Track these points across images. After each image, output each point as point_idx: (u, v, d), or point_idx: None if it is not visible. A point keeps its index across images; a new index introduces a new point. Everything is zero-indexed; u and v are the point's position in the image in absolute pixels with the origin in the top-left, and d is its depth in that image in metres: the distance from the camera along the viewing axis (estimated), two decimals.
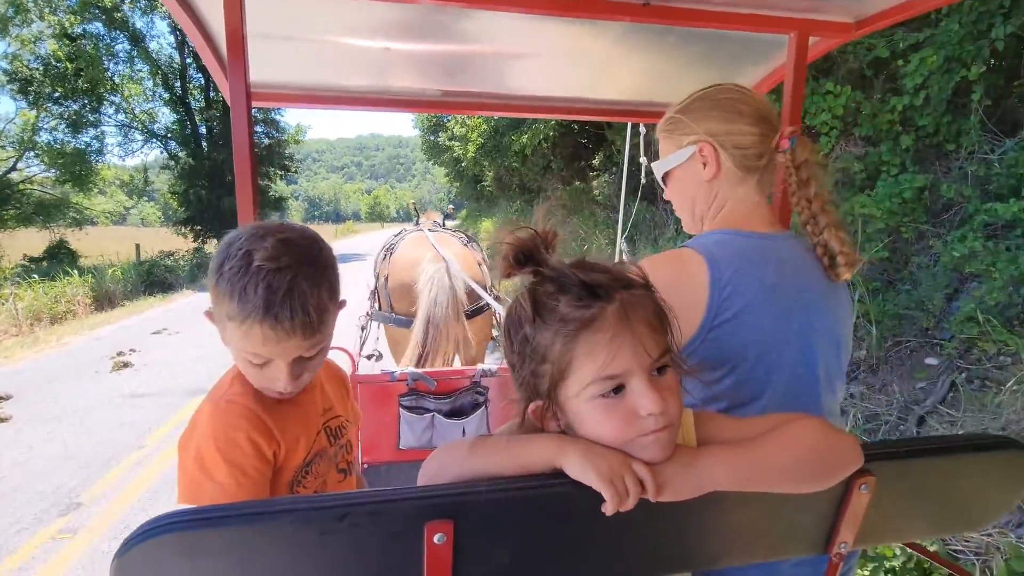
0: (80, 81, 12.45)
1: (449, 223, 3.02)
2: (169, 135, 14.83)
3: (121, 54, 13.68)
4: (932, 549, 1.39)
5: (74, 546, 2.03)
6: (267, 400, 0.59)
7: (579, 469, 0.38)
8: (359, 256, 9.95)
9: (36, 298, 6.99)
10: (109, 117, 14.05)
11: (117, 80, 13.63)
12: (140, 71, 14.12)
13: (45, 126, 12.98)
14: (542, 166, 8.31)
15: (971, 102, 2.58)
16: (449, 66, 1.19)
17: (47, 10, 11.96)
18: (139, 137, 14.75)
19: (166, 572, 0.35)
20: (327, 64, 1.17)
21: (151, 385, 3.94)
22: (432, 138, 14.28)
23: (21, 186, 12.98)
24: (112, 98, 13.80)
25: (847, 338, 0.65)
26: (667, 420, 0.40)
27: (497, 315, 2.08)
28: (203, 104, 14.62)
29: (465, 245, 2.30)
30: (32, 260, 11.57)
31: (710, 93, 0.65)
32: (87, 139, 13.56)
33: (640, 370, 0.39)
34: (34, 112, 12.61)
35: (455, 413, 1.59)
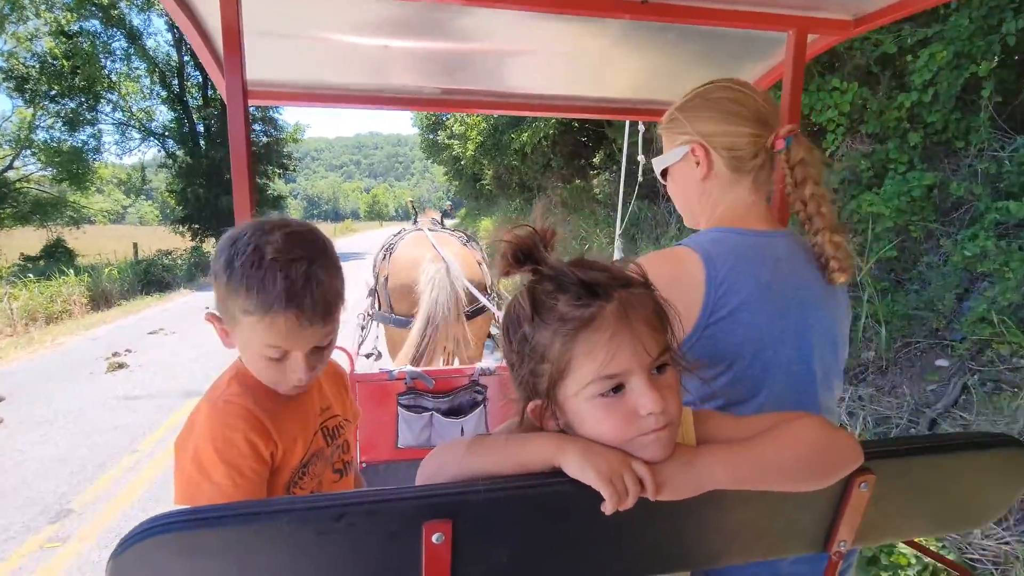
0: (77, 79, 12.40)
1: (448, 222, 3.01)
2: (167, 133, 14.79)
3: (118, 52, 13.64)
4: (950, 557, 1.38)
5: (63, 555, 1.97)
6: (265, 401, 0.59)
7: (578, 468, 0.38)
8: (358, 255, 9.92)
9: (31, 297, 6.95)
10: (106, 115, 14.04)
11: (114, 78, 13.58)
12: (137, 69, 14.08)
13: (42, 124, 12.94)
14: (542, 164, 8.30)
15: (981, 98, 2.52)
16: (448, 64, 1.19)
17: (43, 7, 11.90)
18: (136, 135, 14.72)
19: (163, 572, 0.35)
20: (325, 62, 1.17)
21: (146, 386, 3.90)
22: (431, 136, 14.26)
23: (18, 185, 12.92)
24: (109, 96, 13.76)
25: (844, 336, 0.65)
26: (667, 419, 0.40)
27: (496, 317, 2.08)
28: (201, 102, 14.56)
29: (464, 244, 2.30)
30: (29, 259, 11.54)
31: (707, 91, 0.65)
32: (84, 137, 13.55)
33: (640, 369, 0.39)
34: (31, 110, 12.55)
35: (454, 412, 1.59)
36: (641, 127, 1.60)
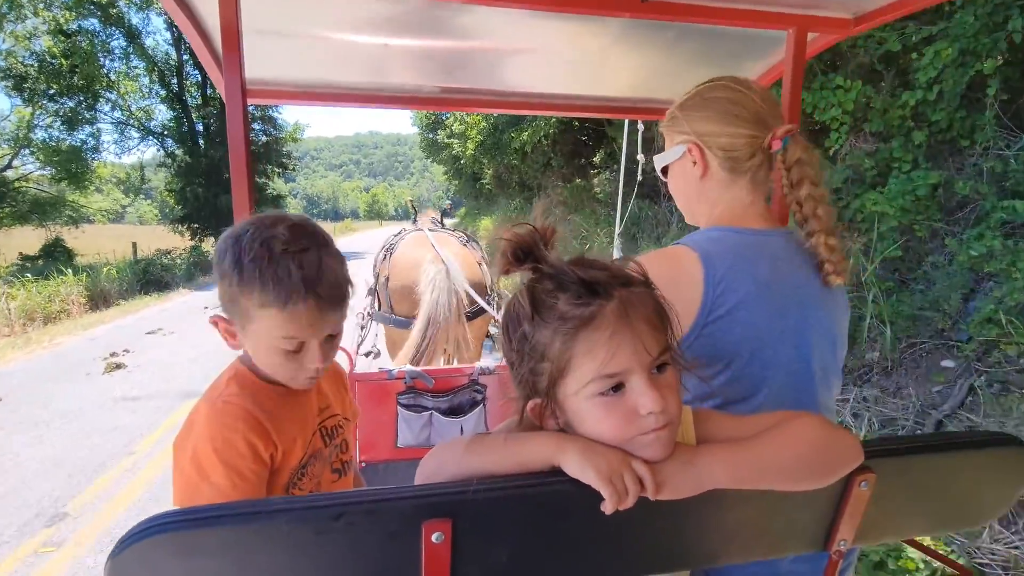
0: (75, 78, 12.36)
1: (448, 221, 3.00)
2: (166, 132, 14.75)
3: (117, 50, 13.60)
4: (960, 562, 1.37)
5: (58, 560, 1.93)
6: (264, 401, 0.59)
7: (578, 467, 0.38)
8: (358, 254, 9.88)
9: (29, 297, 6.91)
10: (105, 114, 13.99)
11: (113, 77, 13.54)
12: (136, 68, 14.04)
13: (40, 123, 12.89)
14: (542, 163, 8.29)
15: (986, 96, 2.49)
16: (447, 62, 1.18)
17: (42, 6, 11.85)
18: (135, 134, 14.68)
19: (161, 572, 0.35)
20: (324, 61, 1.16)
21: (144, 387, 3.85)
22: (431, 136, 14.26)
23: (17, 184, 12.88)
24: (108, 95, 13.72)
25: (843, 334, 0.64)
26: (667, 418, 0.39)
27: (495, 317, 2.07)
28: (200, 101, 14.53)
29: (464, 244, 2.29)
30: (27, 259, 11.51)
31: (706, 90, 0.65)
32: (83, 136, 13.50)
33: (640, 368, 0.39)
34: (29, 109, 12.52)
35: (453, 411, 1.59)
36: (640, 126, 1.60)
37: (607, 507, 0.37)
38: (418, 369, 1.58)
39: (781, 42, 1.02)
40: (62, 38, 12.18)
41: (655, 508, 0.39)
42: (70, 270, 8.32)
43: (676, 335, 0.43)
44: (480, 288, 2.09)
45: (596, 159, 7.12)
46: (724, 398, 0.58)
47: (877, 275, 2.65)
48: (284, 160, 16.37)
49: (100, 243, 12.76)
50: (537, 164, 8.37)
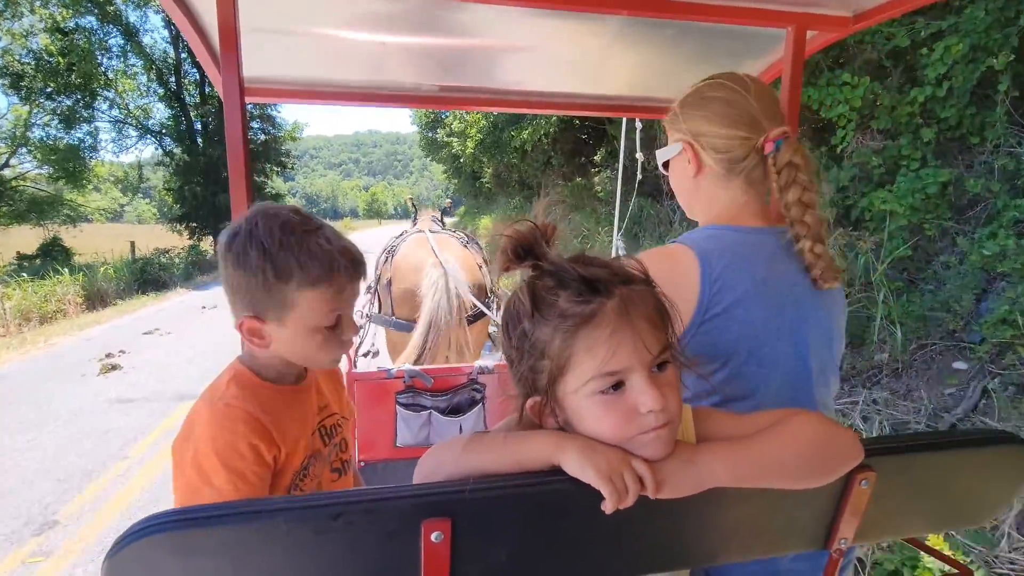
0: (73, 76, 12.32)
1: (447, 220, 2.99)
2: (164, 131, 14.71)
3: (114, 49, 13.56)
4: (979, 573, 1.35)
5: (47, 571, 1.88)
6: (266, 401, 0.58)
7: (578, 466, 0.38)
8: None
9: (25, 297, 6.87)
10: (103, 113, 13.94)
11: (111, 75, 13.50)
12: (134, 66, 14.00)
13: (38, 122, 12.84)
14: (542, 162, 8.28)
15: (997, 93, 2.43)
16: (446, 61, 1.18)
17: (38, 3, 11.80)
18: (133, 133, 14.65)
19: (158, 572, 0.35)
20: (322, 59, 1.16)
21: (139, 389, 3.81)
22: (430, 134, 14.24)
23: (14, 183, 12.83)
24: (106, 93, 13.67)
25: (840, 331, 0.65)
26: (667, 417, 0.39)
27: (496, 319, 2.07)
28: (198, 99, 14.49)
29: (465, 246, 2.29)
30: (24, 258, 11.47)
31: (705, 88, 0.65)
32: (80, 135, 13.46)
33: (640, 367, 0.39)
34: (26, 107, 12.47)
35: (452, 410, 1.58)
36: (638, 124, 1.59)
37: (607, 506, 0.37)
38: (417, 368, 1.58)
39: (780, 40, 1.02)
40: (59, 36, 12.14)
41: (655, 507, 0.39)
42: (67, 269, 8.31)
43: (677, 333, 0.42)
44: (481, 290, 2.09)
45: (597, 157, 7.11)
46: (722, 396, 0.58)
47: (886, 275, 2.61)
48: (283, 159, 16.34)
49: (98, 242, 12.73)
50: (537, 162, 8.36)
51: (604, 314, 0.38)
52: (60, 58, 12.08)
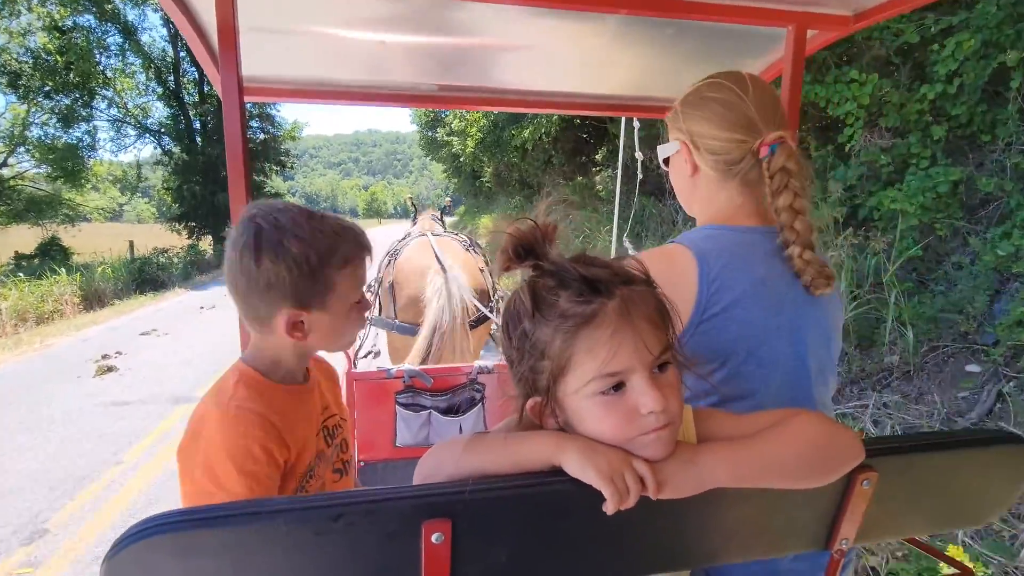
0: (71, 75, 12.26)
1: (447, 219, 3.00)
2: (163, 130, 14.65)
3: (113, 47, 13.49)
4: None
5: None
6: (275, 403, 0.58)
7: (578, 467, 0.38)
8: None
9: (21, 297, 6.78)
10: (101, 112, 13.88)
11: (109, 74, 13.43)
12: (132, 65, 13.94)
13: (36, 121, 12.79)
14: (543, 161, 8.27)
15: (1009, 90, 2.38)
16: (445, 60, 1.18)
17: (36, 2, 11.74)
18: (132, 132, 14.59)
19: (158, 573, 0.35)
20: (321, 58, 1.16)
21: (135, 391, 3.75)
22: (430, 134, 14.22)
23: (12, 182, 12.78)
24: (104, 92, 13.61)
25: (838, 329, 0.65)
26: (668, 418, 0.39)
27: (497, 323, 2.07)
28: (197, 98, 14.44)
29: (467, 250, 2.30)
30: (22, 257, 11.42)
31: (705, 88, 0.65)
32: (79, 134, 13.40)
33: (641, 367, 0.39)
34: (24, 106, 12.41)
35: (452, 410, 1.58)
36: (636, 124, 1.59)
37: (608, 507, 0.37)
38: (416, 368, 1.58)
39: (780, 39, 1.02)
40: (57, 34, 12.07)
41: (656, 507, 0.39)
42: (64, 269, 8.23)
43: (677, 334, 0.42)
44: (483, 295, 2.10)
45: (598, 156, 7.10)
46: (721, 396, 0.58)
47: (896, 275, 2.57)
48: (282, 158, 16.30)
49: (97, 242, 12.65)
50: (538, 162, 8.34)
51: (605, 314, 0.38)
52: (58, 57, 12.03)
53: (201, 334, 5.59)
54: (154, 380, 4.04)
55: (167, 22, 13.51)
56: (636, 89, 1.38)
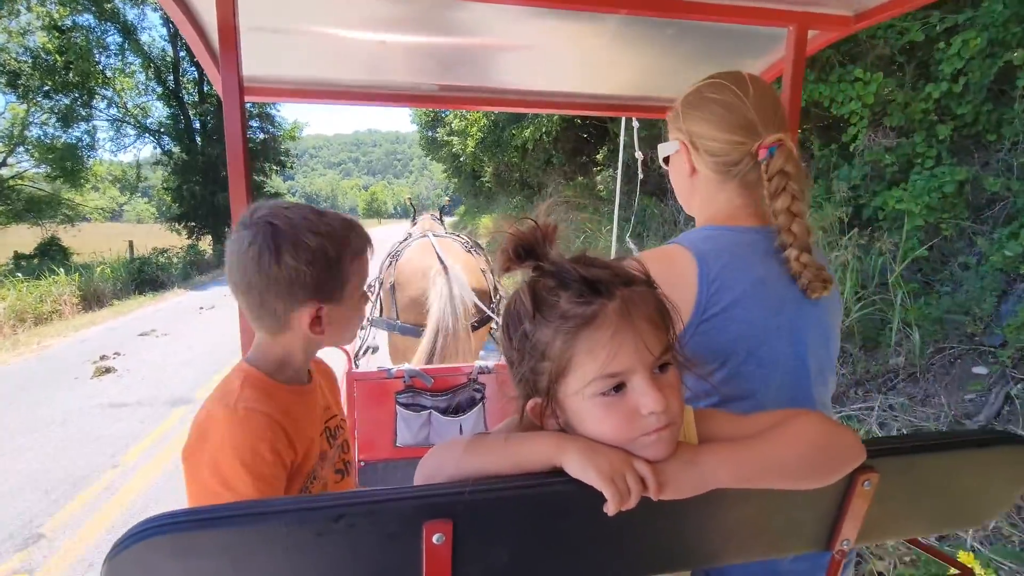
0: (70, 74, 12.23)
1: (446, 219, 3.00)
2: (162, 130, 14.63)
3: (112, 47, 13.46)
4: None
5: None
6: (282, 403, 0.59)
7: (579, 468, 0.38)
8: None
9: (20, 298, 6.72)
10: (101, 111, 13.86)
11: (108, 73, 13.41)
12: (132, 64, 13.91)
13: (35, 120, 12.77)
14: (543, 161, 8.26)
15: (1015, 89, 2.38)
16: (446, 60, 1.18)
17: (35, 1, 11.73)
18: (132, 132, 14.56)
19: (159, 574, 0.35)
20: (322, 58, 1.16)
21: (133, 393, 3.71)
22: (430, 133, 14.23)
23: (11, 182, 12.76)
24: (103, 92, 13.59)
25: (836, 329, 0.65)
26: (669, 418, 0.39)
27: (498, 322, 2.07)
28: (197, 98, 14.42)
29: (469, 251, 2.30)
30: (21, 257, 11.40)
31: (706, 88, 0.65)
32: (78, 134, 13.38)
33: (642, 368, 0.39)
34: (24, 106, 12.40)
35: (452, 410, 1.58)
36: (635, 123, 1.59)
37: (610, 508, 0.37)
38: (417, 368, 1.58)
39: (781, 39, 1.02)
40: (56, 34, 12.05)
41: (657, 508, 0.39)
42: (63, 269, 8.19)
43: (677, 334, 0.42)
44: (485, 296, 2.10)
45: (599, 156, 7.09)
46: (721, 396, 0.58)
47: (902, 276, 2.55)
48: (282, 158, 16.29)
49: (97, 242, 12.63)
50: (538, 161, 8.34)
51: (605, 315, 0.38)
52: (57, 56, 12.00)
53: (200, 335, 5.57)
54: (152, 381, 4.01)
55: (167, 21, 13.50)
56: (637, 89, 1.38)
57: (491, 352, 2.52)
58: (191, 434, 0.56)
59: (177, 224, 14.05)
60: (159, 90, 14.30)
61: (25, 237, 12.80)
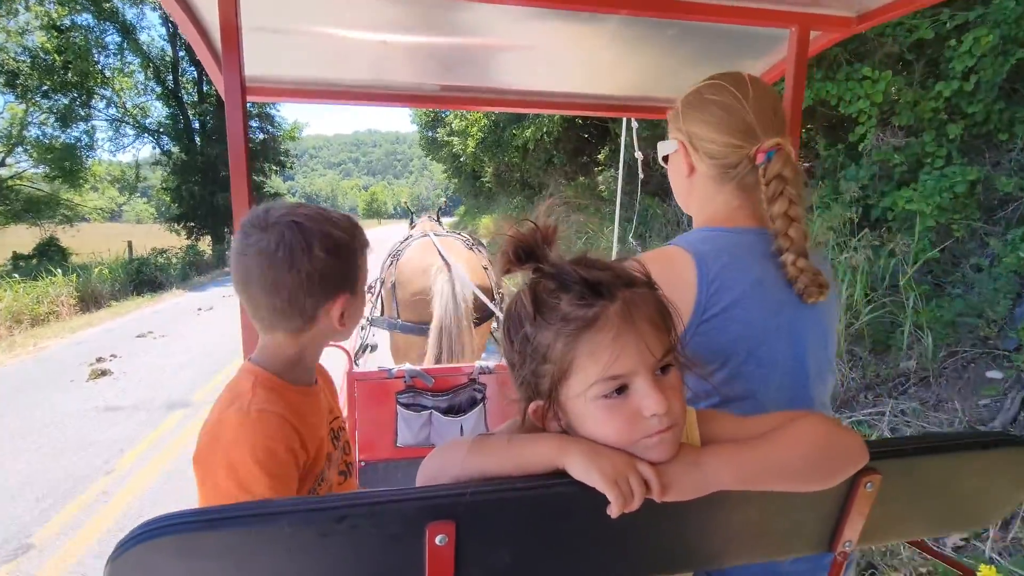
0: (69, 74, 12.21)
1: (445, 219, 2.99)
2: (161, 130, 14.61)
3: (111, 46, 13.45)
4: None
5: None
6: (293, 403, 0.58)
7: (582, 470, 0.38)
8: None
9: (16, 299, 6.66)
10: (100, 111, 13.84)
11: (107, 73, 13.39)
12: (131, 64, 13.90)
13: (34, 120, 12.74)
14: (544, 161, 8.27)
15: None
16: (447, 60, 1.18)
17: (34, 1, 11.70)
18: (131, 132, 14.54)
19: (162, 575, 0.34)
20: (323, 58, 1.16)
21: (129, 396, 3.65)
22: (430, 134, 14.24)
23: (10, 182, 12.72)
24: (102, 92, 13.56)
25: (834, 329, 0.66)
26: (671, 420, 0.39)
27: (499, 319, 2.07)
28: (196, 98, 14.41)
29: (470, 248, 2.29)
30: (19, 258, 11.36)
31: (707, 89, 0.65)
32: (77, 134, 13.36)
33: (644, 370, 0.39)
34: (22, 106, 12.37)
35: (453, 410, 1.58)
36: (634, 124, 1.59)
37: (613, 510, 0.37)
38: (417, 368, 1.57)
39: (783, 40, 1.03)
40: (55, 34, 12.03)
41: (659, 510, 0.39)
42: (61, 270, 8.14)
43: (679, 335, 0.42)
44: (487, 293, 2.09)
45: (600, 156, 7.09)
46: (722, 397, 0.58)
47: (913, 278, 2.49)
48: (282, 158, 16.28)
49: (96, 242, 12.60)
50: (539, 161, 8.34)
51: (607, 317, 0.38)
52: (56, 56, 11.98)
53: (198, 336, 5.53)
54: (149, 384, 3.95)
55: (166, 21, 13.49)
56: (637, 90, 1.38)
57: (491, 352, 2.51)
58: (202, 438, 0.55)
59: (176, 224, 14.04)
60: (158, 90, 14.29)
61: (24, 237, 12.76)
